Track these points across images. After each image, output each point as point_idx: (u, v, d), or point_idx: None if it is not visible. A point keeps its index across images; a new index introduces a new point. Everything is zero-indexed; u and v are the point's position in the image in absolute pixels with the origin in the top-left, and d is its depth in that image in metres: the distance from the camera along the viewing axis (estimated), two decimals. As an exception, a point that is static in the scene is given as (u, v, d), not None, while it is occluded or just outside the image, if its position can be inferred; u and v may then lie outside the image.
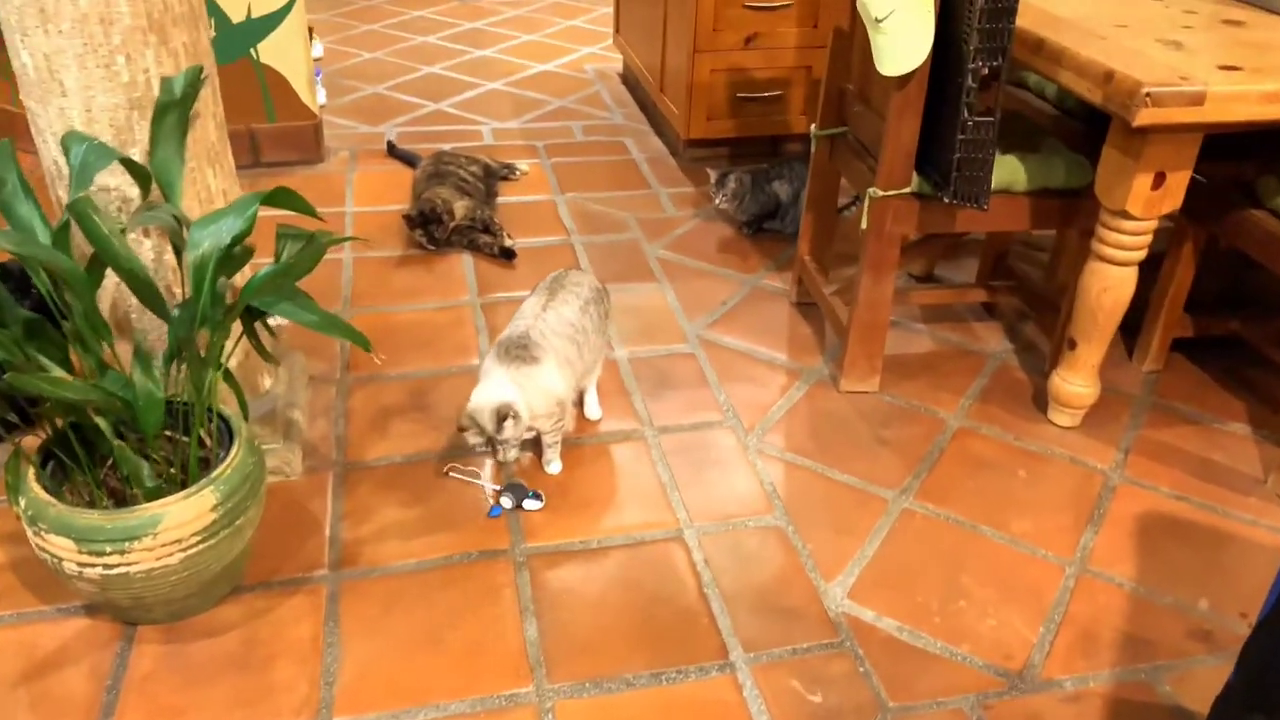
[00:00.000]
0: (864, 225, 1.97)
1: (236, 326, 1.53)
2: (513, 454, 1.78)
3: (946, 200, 1.86)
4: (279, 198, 1.45)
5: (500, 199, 2.93)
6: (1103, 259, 1.86)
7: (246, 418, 1.67)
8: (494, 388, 1.73)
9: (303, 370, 2.06)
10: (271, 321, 2.23)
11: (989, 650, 1.56)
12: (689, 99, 3.04)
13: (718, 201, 2.73)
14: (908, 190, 1.92)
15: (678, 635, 1.56)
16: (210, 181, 1.62)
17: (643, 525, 1.77)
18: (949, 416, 2.09)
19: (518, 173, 3.07)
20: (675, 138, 3.30)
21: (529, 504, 1.79)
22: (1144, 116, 1.60)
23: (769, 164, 2.77)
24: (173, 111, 1.43)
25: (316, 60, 3.84)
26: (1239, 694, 1.19)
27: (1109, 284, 1.87)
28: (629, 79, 3.94)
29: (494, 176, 2.97)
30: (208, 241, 1.38)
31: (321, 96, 3.56)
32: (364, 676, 1.47)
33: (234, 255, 1.45)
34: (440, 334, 2.29)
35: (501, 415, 1.70)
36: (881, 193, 1.91)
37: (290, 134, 3.05)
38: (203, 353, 1.42)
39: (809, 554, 1.72)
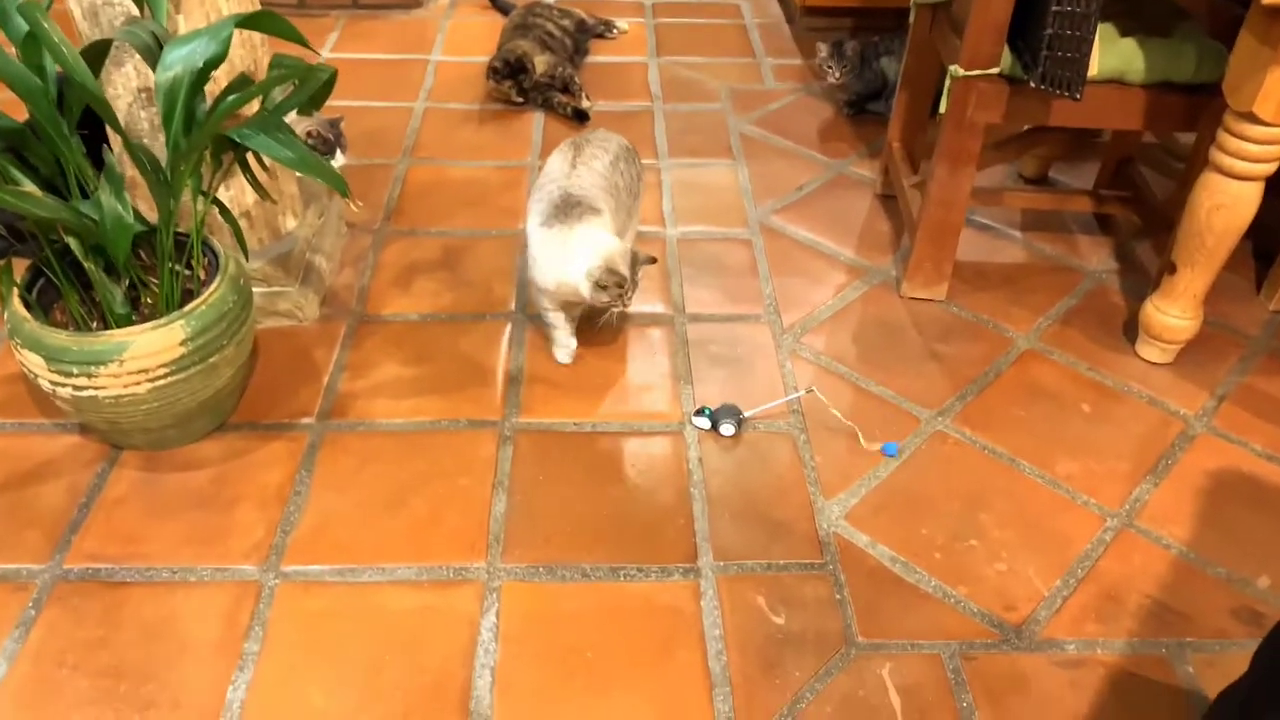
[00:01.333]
0: (943, 108, 1.72)
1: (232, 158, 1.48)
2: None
3: (1034, 85, 1.60)
4: (260, 21, 1.36)
5: (590, 58, 2.77)
6: (1219, 170, 1.57)
7: (247, 256, 1.64)
8: (594, 238, 1.58)
9: (337, 215, 2.01)
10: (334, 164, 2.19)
11: (989, 597, 1.39)
12: (808, -40, 2.76)
13: (831, 75, 2.47)
14: (995, 71, 1.66)
15: (649, 532, 1.46)
16: (222, 4, 1.55)
17: (643, 415, 1.66)
18: (1019, 336, 1.86)
19: (615, 31, 2.89)
20: (793, 4, 3.03)
21: (726, 427, 1.63)
22: (1279, -8, 1.30)
23: (879, 37, 2.49)
24: (157, -81, 1.34)
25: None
26: (1264, 691, 1.00)
27: (1222, 200, 1.58)
28: (764, -61, 3.63)
29: (588, 33, 2.80)
30: (179, 65, 1.31)
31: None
32: (321, 529, 1.45)
33: (232, 87, 1.39)
34: (490, 194, 2.20)
35: (638, 257, 1.60)
36: (964, 72, 1.66)
37: (389, -25, 2.96)
38: (171, 179, 1.37)
39: (814, 467, 1.57)
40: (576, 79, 2.53)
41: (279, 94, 1.47)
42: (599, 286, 1.57)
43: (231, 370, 1.52)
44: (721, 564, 1.42)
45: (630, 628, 1.33)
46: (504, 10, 2.95)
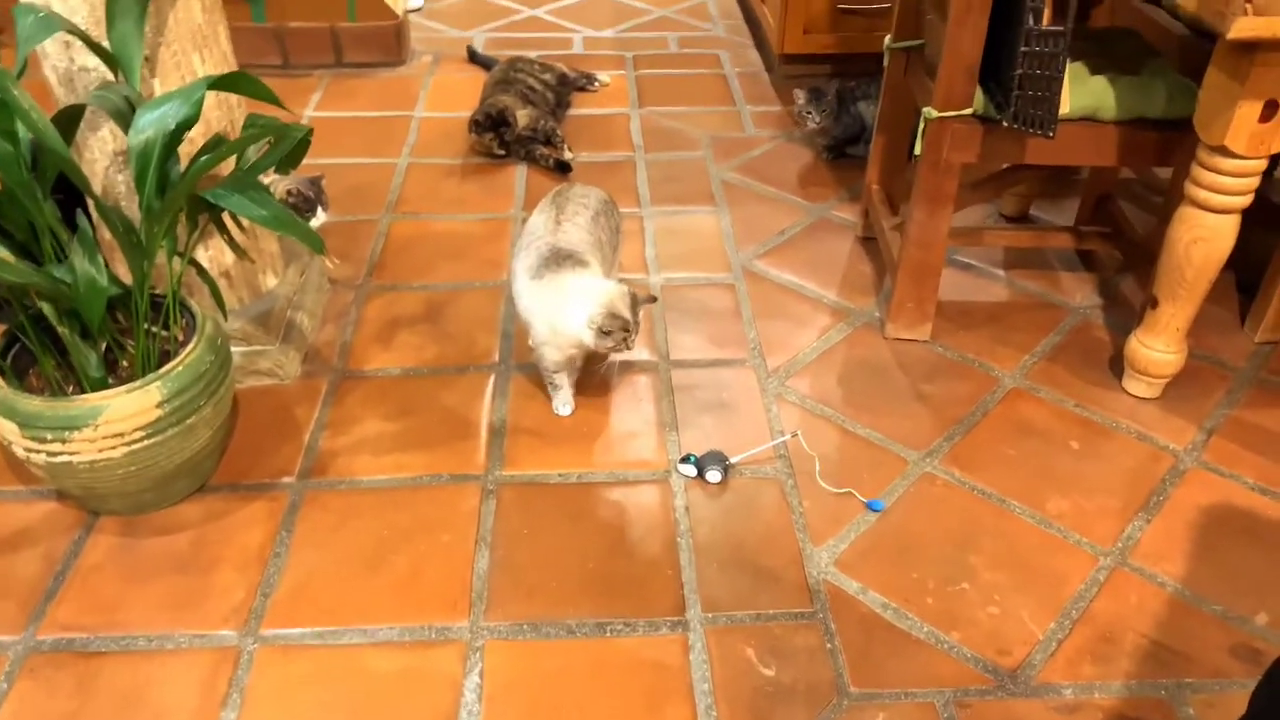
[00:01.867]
0: (918, 150, 1.73)
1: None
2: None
3: (1006, 124, 1.61)
4: (235, 82, 1.36)
5: (572, 111, 2.79)
6: (1195, 204, 1.57)
7: (225, 316, 1.63)
8: (590, 285, 1.57)
9: (318, 272, 2.01)
10: (315, 222, 2.19)
11: (982, 642, 1.37)
12: (785, 8, 2.80)
13: (810, 121, 2.48)
14: (968, 112, 1.67)
15: (636, 585, 1.43)
16: (197, 67, 1.56)
17: (629, 464, 1.64)
18: (1005, 374, 1.85)
19: (597, 84, 2.92)
20: (772, 52, 3.06)
21: (712, 474, 1.62)
22: (1242, 27, 1.31)
23: (855, 82, 2.51)
24: (130, -15, 1.35)
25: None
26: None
27: (1200, 234, 1.58)
28: (741, -10, 3.69)
29: (569, 86, 2.83)
30: (151, 128, 1.31)
31: (418, 0, 3.49)
32: (301, 590, 1.42)
33: (206, 147, 1.39)
34: (472, 246, 2.20)
35: (637, 298, 1.58)
36: (938, 113, 1.67)
37: (372, 34, 2.99)
38: (145, 241, 1.36)
39: (802, 513, 1.55)
40: (558, 132, 2.55)
41: (254, 153, 1.47)
42: (603, 333, 1.55)
43: (210, 431, 1.51)
44: (710, 615, 1.39)
45: (617, 685, 1.30)
46: (485, 65, 2.99)
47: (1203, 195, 1.55)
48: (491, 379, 1.82)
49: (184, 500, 1.55)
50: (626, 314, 1.55)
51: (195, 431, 1.47)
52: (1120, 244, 2.03)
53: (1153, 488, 1.61)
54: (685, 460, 1.61)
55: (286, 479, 1.60)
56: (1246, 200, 1.54)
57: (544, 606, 1.40)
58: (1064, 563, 1.48)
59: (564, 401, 1.73)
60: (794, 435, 1.68)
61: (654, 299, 1.62)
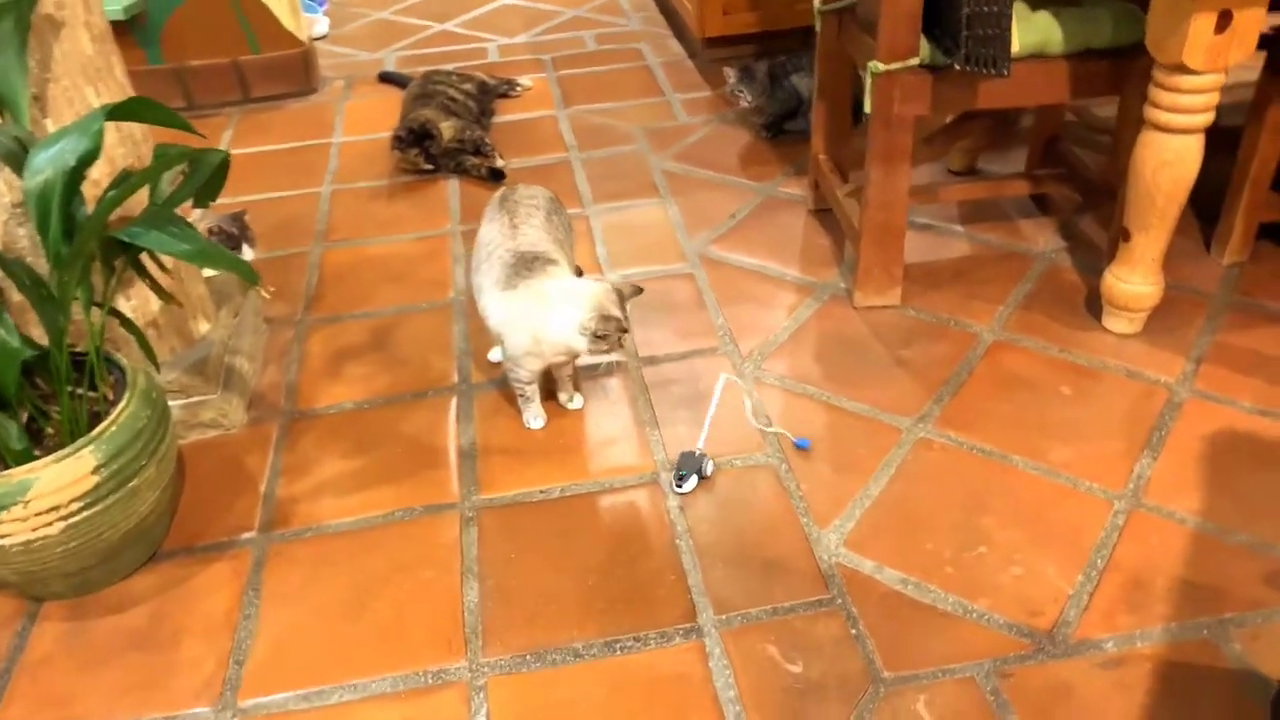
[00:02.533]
0: (868, 108, 1.67)
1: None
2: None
3: (959, 67, 1.55)
4: (135, 109, 1.24)
5: (498, 118, 2.69)
6: (1159, 127, 1.53)
7: (158, 367, 1.50)
8: (573, 288, 1.48)
9: (253, 312, 1.88)
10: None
11: (1011, 605, 1.29)
12: (701, -9, 2.74)
13: (743, 99, 2.41)
14: (915, 61, 1.61)
15: (640, 596, 1.34)
16: (92, 100, 1.43)
17: (613, 470, 1.54)
18: (983, 329, 1.79)
19: (519, 89, 2.82)
20: (694, 38, 3.00)
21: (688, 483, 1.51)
22: (1195, -67, 1.26)
23: (785, 56, 2.45)
24: (7, 15, 1.23)
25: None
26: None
27: (1166, 157, 1.53)
28: (651, -17, 3.62)
29: (491, 94, 2.73)
30: (49, 167, 1.18)
31: (324, 27, 3.37)
32: (279, 652, 1.30)
33: (114, 184, 1.27)
34: (413, 267, 2.09)
35: (623, 294, 1.48)
36: (884, 66, 1.61)
37: (278, 65, 2.86)
38: (57, 293, 1.23)
39: (802, 496, 1.47)
40: (487, 140, 2.45)
41: (168, 185, 1.35)
42: (597, 338, 1.45)
43: (154, 493, 1.38)
44: (723, 617, 1.30)
45: (637, 705, 1.20)
46: (400, 84, 2.87)
47: (1164, 117, 1.51)
48: (454, 401, 1.71)
49: (135, 572, 1.42)
50: (617, 313, 1.45)
51: (139, 495, 1.34)
52: (1076, 184, 1.99)
53: (1152, 424, 1.56)
54: (680, 480, 1.51)
55: (247, 534, 1.48)
56: (1209, 118, 1.50)
57: (546, 632, 1.30)
58: (1078, 512, 1.42)
59: (535, 414, 1.63)
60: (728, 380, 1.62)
61: (640, 290, 1.53)
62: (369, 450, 1.62)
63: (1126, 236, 1.65)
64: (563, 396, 1.66)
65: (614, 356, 1.50)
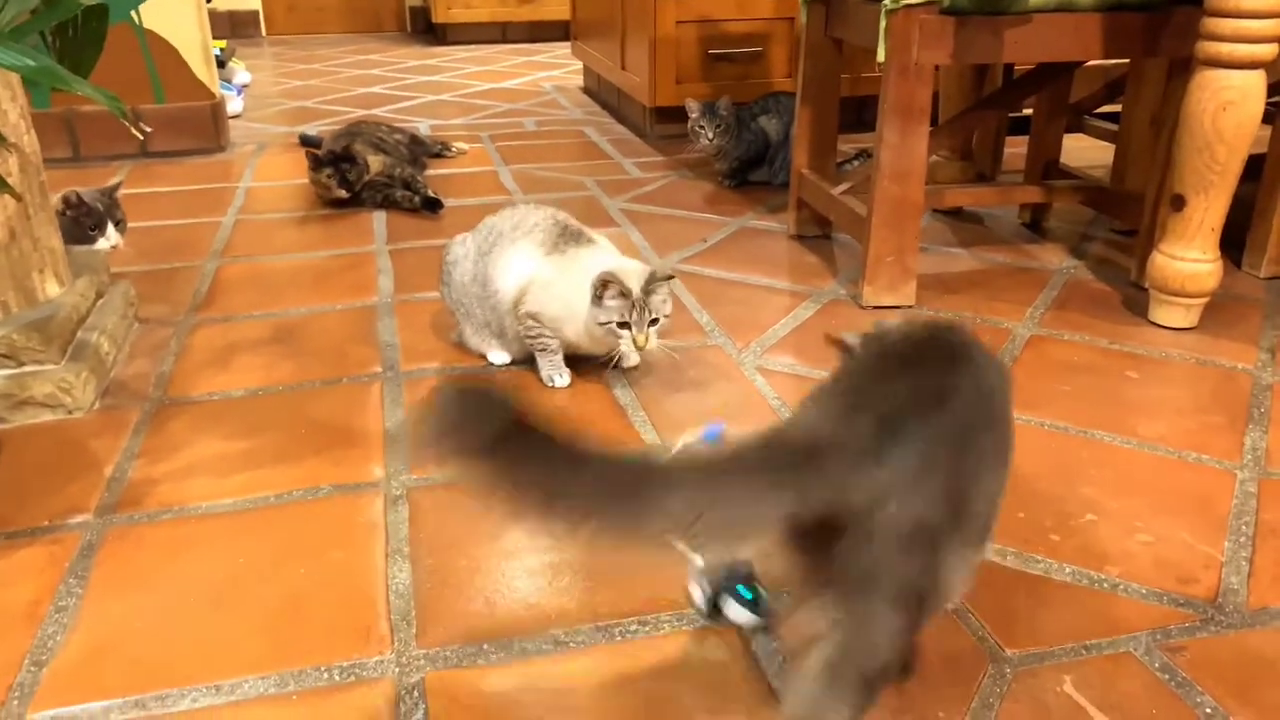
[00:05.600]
0: (881, 55, 1.45)
1: None
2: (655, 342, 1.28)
3: (993, -13, 1.36)
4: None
5: (432, 171, 2.43)
6: (1218, 63, 1.34)
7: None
8: (611, 261, 1.30)
9: (124, 300, 1.50)
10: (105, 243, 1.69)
11: (1152, 574, 0.95)
12: (653, 59, 2.59)
13: (704, 137, 2.19)
14: (936, -2, 1.41)
15: (641, 571, 0.95)
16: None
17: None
18: (1016, 326, 1.52)
19: (455, 150, 2.58)
20: (641, 118, 2.84)
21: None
22: None
23: (752, 101, 2.28)
24: None
25: (243, 86, 3.44)
26: None
27: (1229, 96, 1.34)
28: (590, 88, 3.52)
29: (423, 147, 2.48)
30: None
31: (238, 106, 3.13)
32: (103, 651, 0.86)
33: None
34: (329, 276, 1.74)
35: (655, 275, 1.26)
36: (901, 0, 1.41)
37: (184, 117, 2.57)
38: None
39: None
40: (419, 177, 2.18)
41: (11, 13, 1.02)
42: (597, 298, 1.24)
43: (-56, 432, 0.96)
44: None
45: (648, 698, 0.80)
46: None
47: (1225, 50, 1.32)
48: (378, 386, 1.34)
49: (-101, 559, 0.97)
50: (630, 286, 1.23)
51: (-83, 424, 0.92)
52: (1087, 194, 1.80)
53: (1246, 401, 1.28)
54: (715, 607, 0.90)
55: (79, 518, 1.05)
56: (1273, 50, 1.32)
57: (506, 618, 0.90)
58: (1195, 481, 1.11)
59: (558, 370, 1.35)
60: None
61: (672, 276, 1.29)
62: (261, 433, 1.22)
63: (1179, 204, 1.43)
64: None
65: (625, 349, 1.28)
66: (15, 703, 0.81)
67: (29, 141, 1.30)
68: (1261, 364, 1.39)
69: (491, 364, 1.39)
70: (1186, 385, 1.33)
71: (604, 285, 1.22)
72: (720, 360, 1.41)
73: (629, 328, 1.23)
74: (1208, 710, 0.79)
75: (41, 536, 1.02)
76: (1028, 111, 1.97)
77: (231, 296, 1.65)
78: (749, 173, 2.27)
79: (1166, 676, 0.82)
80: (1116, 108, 1.93)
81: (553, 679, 0.83)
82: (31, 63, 0.92)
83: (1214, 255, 1.45)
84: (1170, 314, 1.49)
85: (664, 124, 2.76)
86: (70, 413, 1.26)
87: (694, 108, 2.19)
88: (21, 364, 1.24)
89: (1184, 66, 1.42)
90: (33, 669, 0.84)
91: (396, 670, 0.84)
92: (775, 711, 0.79)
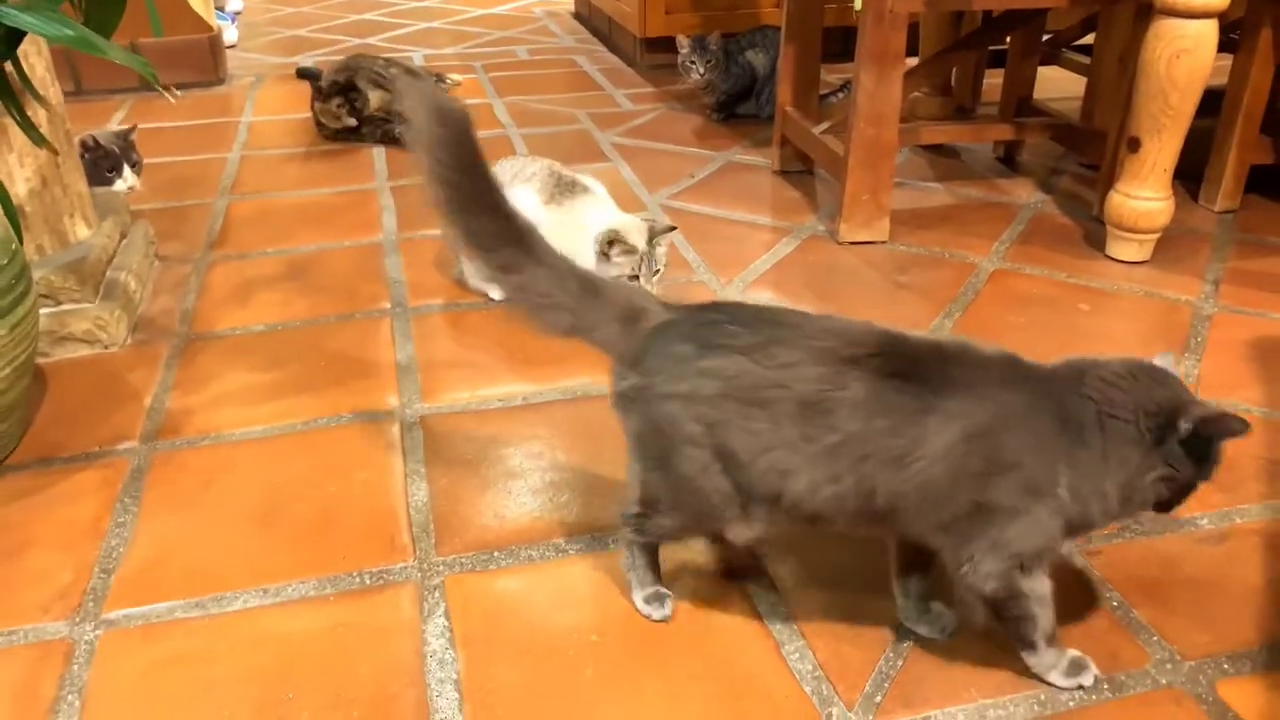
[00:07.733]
0: (858, 4, 1.53)
1: None
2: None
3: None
4: None
5: (427, 105, 2.49)
6: (1172, 12, 1.42)
7: (20, 238, 1.20)
8: (609, 214, 1.41)
9: (145, 240, 1.59)
10: (122, 184, 1.79)
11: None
12: (643, -11, 2.64)
13: (695, 72, 2.27)
14: (911, -53, 1.49)
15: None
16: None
17: (594, 379, 1.29)
18: (981, 259, 1.63)
19: (449, 81, 2.64)
20: (631, 47, 2.89)
21: None
22: None
23: (738, 34, 2.35)
24: None
25: (236, 13, 3.45)
26: None
27: (1183, 45, 1.43)
28: (581, 14, 3.55)
29: (419, 79, 2.53)
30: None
31: (233, 36, 3.16)
32: (162, 560, 0.99)
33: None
34: (335, 214, 1.83)
35: (654, 229, 1.39)
36: (878, -48, 1.48)
37: (182, 50, 2.62)
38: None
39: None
40: (416, 112, 2.25)
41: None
42: (603, 255, 1.35)
43: (7, 370, 1.07)
44: (739, 508, 1.05)
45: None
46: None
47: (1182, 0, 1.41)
48: (389, 322, 1.45)
49: (-31, 482, 1.09)
50: (635, 242, 1.35)
51: (-18, 364, 1.03)
52: (1057, 131, 1.89)
53: (1186, 332, 1.40)
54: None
55: (126, 444, 1.17)
56: (1225, 1, 1.41)
57: (519, 530, 1.02)
58: (1131, 406, 1.23)
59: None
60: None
61: (673, 227, 1.41)
62: (284, 365, 1.33)
63: (1135, 145, 1.53)
64: None
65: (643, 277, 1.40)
66: (91, 604, 0.93)
67: (54, 94, 1.38)
68: (1204, 296, 1.51)
69: (492, 299, 1.49)
70: (1133, 317, 1.45)
71: (610, 243, 1.33)
72: (705, 296, 1.51)
73: (638, 279, 1.34)
74: (1114, 604, 0.92)
75: (95, 461, 1.14)
76: (1009, 42, 2.05)
77: (244, 233, 1.75)
78: (736, 106, 2.35)
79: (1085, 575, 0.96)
80: (1091, 40, 2.01)
81: (555, 580, 0.96)
82: (70, 32, 1.01)
83: (1166, 194, 1.56)
84: (1125, 248, 1.60)
85: (654, 54, 2.81)
86: (106, 348, 1.36)
87: (684, 44, 2.26)
88: (60, 303, 1.34)
89: (1149, 10, 1.50)
90: (102, 575, 0.97)
91: (419, 574, 0.97)
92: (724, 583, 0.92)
